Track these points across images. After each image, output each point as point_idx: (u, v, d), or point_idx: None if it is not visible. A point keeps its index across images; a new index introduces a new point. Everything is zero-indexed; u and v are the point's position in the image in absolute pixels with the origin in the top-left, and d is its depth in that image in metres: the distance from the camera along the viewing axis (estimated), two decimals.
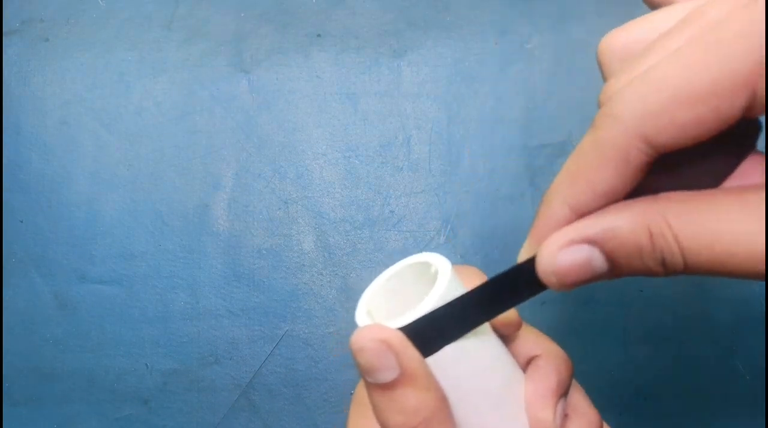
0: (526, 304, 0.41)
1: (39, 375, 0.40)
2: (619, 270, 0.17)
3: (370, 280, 0.39)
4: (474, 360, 0.21)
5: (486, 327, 0.21)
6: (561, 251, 0.17)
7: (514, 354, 0.23)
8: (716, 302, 0.40)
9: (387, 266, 0.42)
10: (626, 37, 0.19)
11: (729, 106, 0.15)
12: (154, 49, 0.43)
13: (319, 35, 0.43)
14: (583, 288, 0.40)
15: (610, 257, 0.17)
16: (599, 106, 0.19)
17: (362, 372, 0.19)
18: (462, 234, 0.41)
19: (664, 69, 0.15)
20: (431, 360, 0.20)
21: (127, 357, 0.40)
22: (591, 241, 0.17)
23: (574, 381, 0.24)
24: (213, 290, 0.40)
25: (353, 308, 0.40)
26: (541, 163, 0.41)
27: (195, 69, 0.43)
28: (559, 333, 0.40)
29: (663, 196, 0.17)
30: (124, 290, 0.41)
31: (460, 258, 0.41)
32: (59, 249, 0.41)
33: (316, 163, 0.42)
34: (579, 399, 0.23)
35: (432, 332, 0.19)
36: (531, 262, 0.19)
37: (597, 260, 0.17)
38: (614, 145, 0.16)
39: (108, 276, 0.41)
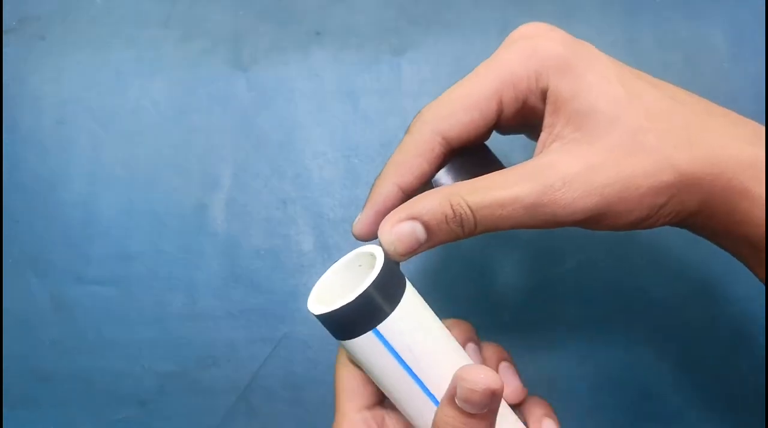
0: (526, 305, 0.40)
1: (36, 377, 0.40)
2: (433, 237, 0.24)
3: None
4: (414, 316, 0.25)
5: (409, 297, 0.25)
6: (394, 226, 0.24)
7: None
8: (718, 302, 0.39)
9: None
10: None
11: (488, 109, 0.25)
12: (151, 48, 0.43)
13: (318, 33, 0.43)
14: (584, 288, 0.40)
15: (427, 227, 0.24)
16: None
17: (460, 400, 0.22)
18: None
19: (451, 92, 0.26)
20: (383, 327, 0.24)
21: (124, 359, 0.40)
22: (413, 217, 0.24)
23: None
24: (211, 291, 0.40)
25: None
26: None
27: (193, 67, 0.43)
28: (560, 334, 0.40)
29: (457, 183, 0.25)
30: (121, 291, 0.40)
31: (460, 258, 0.40)
32: (55, 250, 0.41)
33: (316, 163, 0.42)
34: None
35: (370, 309, 0.24)
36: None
37: (419, 230, 0.24)
38: (424, 141, 0.26)
39: (105, 277, 0.40)
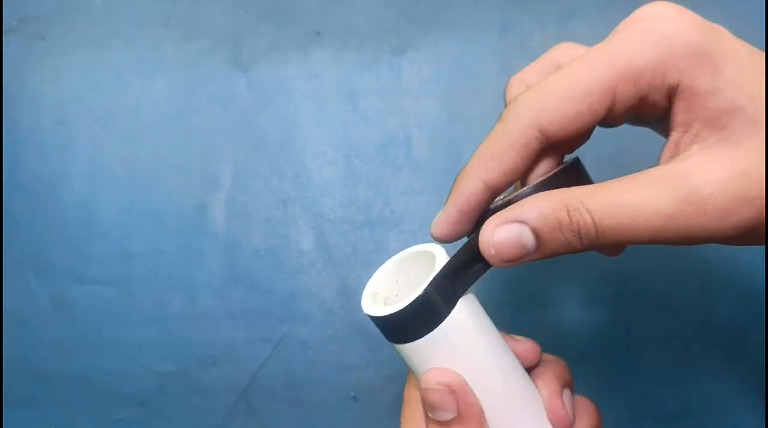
0: (528, 306, 0.40)
1: (36, 377, 0.40)
2: (544, 247, 0.21)
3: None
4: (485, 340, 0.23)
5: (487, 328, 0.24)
6: (497, 228, 0.22)
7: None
8: (720, 302, 0.39)
9: None
10: (526, 75, 0.26)
11: (599, 104, 0.21)
12: (151, 48, 0.43)
13: (318, 33, 0.43)
14: (585, 288, 0.40)
15: (536, 233, 0.21)
16: (505, 94, 0.26)
17: (426, 408, 0.22)
18: None
19: (554, 79, 0.22)
20: (439, 333, 0.22)
21: (124, 358, 0.40)
22: (521, 220, 0.21)
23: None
24: (211, 291, 0.40)
25: (353, 309, 0.40)
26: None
27: (193, 67, 0.42)
28: (561, 334, 0.40)
29: (573, 187, 0.22)
30: (121, 291, 0.40)
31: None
32: (55, 250, 0.41)
33: (316, 163, 0.42)
34: (581, 396, 0.27)
35: (426, 312, 0.22)
36: (476, 243, 0.23)
37: (526, 236, 0.21)
38: (519, 133, 0.22)
39: (105, 277, 0.40)
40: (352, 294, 0.40)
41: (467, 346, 0.23)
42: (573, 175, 0.24)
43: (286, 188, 0.41)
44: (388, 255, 0.40)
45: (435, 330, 0.22)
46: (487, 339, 0.24)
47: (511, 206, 0.22)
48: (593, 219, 0.20)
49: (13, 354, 0.40)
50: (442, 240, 0.25)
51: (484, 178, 0.23)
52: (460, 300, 0.23)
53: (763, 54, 0.22)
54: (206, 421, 0.40)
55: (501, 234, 0.21)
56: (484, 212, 0.24)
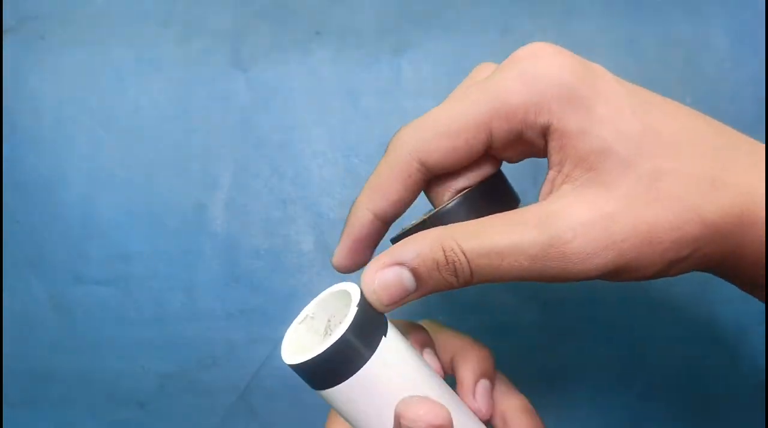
0: (528, 306, 0.40)
1: (35, 378, 0.40)
2: (423, 286, 0.22)
3: None
4: (392, 370, 0.23)
5: (390, 342, 0.23)
6: (377, 273, 0.22)
7: (439, 358, 0.26)
8: (720, 303, 0.39)
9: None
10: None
11: (474, 140, 0.22)
12: (150, 47, 0.43)
13: (318, 32, 0.43)
14: (587, 288, 0.39)
15: (415, 274, 0.21)
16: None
17: None
18: None
19: (435, 113, 0.23)
20: (353, 380, 0.22)
21: (123, 359, 0.40)
22: (400, 263, 0.22)
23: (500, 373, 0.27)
24: (210, 291, 0.40)
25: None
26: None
27: (192, 67, 0.42)
28: (561, 335, 0.40)
29: (451, 225, 0.22)
30: (121, 291, 0.40)
31: None
32: (55, 250, 0.41)
33: (315, 162, 0.41)
34: (505, 385, 0.27)
35: (347, 357, 0.22)
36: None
37: (406, 278, 0.22)
38: (400, 166, 0.23)
39: (104, 277, 0.40)
40: None
41: (396, 383, 0.22)
42: (464, 205, 0.24)
43: (286, 188, 0.41)
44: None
45: (359, 371, 0.22)
46: (415, 371, 0.23)
47: (389, 248, 0.23)
48: (467, 259, 0.21)
49: (13, 354, 0.40)
50: (344, 271, 0.26)
51: (372, 209, 0.24)
52: (382, 338, 0.22)
53: (648, 94, 0.22)
54: (206, 421, 0.39)
55: (381, 279, 0.22)
56: (378, 240, 0.25)
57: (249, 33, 0.43)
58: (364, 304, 0.22)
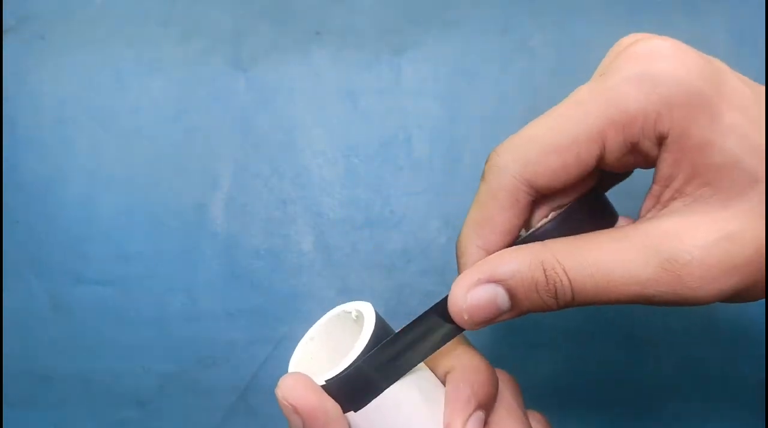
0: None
1: (35, 378, 0.40)
2: (519, 306, 0.20)
3: (371, 282, 0.39)
4: (402, 406, 0.21)
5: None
6: (470, 291, 0.20)
7: (432, 368, 0.23)
8: (720, 303, 0.39)
9: (387, 267, 0.41)
10: None
11: (586, 154, 0.19)
12: (150, 47, 0.43)
13: (318, 32, 0.43)
14: None
15: (511, 293, 0.20)
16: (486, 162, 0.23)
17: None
18: None
19: (536, 125, 0.20)
20: (364, 411, 0.20)
21: (123, 359, 0.40)
22: (496, 280, 0.20)
23: (507, 395, 0.23)
24: (210, 291, 0.40)
25: None
26: None
27: (192, 67, 0.42)
28: (561, 336, 0.40)
29: (550, 241, 0.20)
30: (120, 291, 0.40)
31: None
32: (54, 250, 0.41)
33: (315, 162, 0.41)
34: (504, 415, 0.23)
35: (357, 386, 0.20)
36: (443, 305, 0.21)
37: (501, 297, 0.20)
38: (505, 192, 0.20)
39: (104, 277, 0.40)
40: (352, 294, 0.40)
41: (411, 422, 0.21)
42: (566, 222, 0.22)
43: (286, 188, 0.41)
44: (388, 255, 0.40)
45: (374, 401, 0.20)
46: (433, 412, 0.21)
47: (480, 261, 0.20)
48: (569, 280, 0.19)
49: (12, 354, 0.40)
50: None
51: (482, 246, 0.21)
52: (408, 372, 0.21)
53: (758, 86, 0.20)
54: (206, 421, 0.39)
55: (474, 297, 0.20)
56: None
57: (249, 33, 0.43)
58: (378, 326, 0.21)
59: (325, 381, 0.20)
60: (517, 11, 0.42)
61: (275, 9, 0.43)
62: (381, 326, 0.21)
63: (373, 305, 0.22)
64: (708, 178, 0.18)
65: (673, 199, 0.19)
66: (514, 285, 0.19)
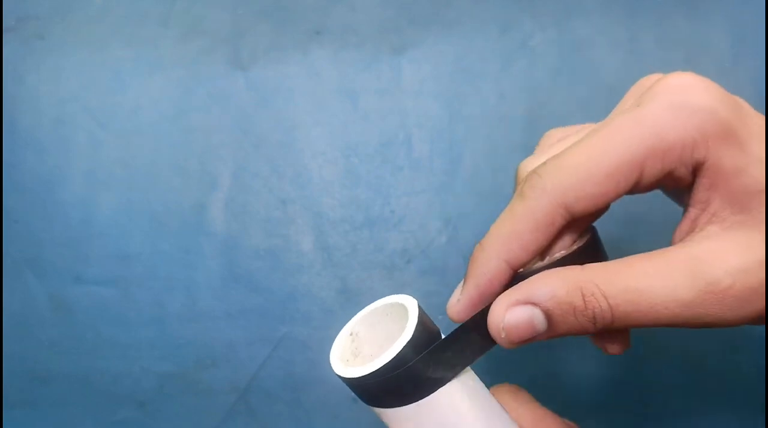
0: None
1: (34, 378, 0.40)
2: (555, 329, 0.21)
3: (371, 282, 0.39)
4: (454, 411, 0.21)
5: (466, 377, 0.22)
6: (508, 310, 0.20)
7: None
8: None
9: (387, 267, 0.41)
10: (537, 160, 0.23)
11: (626, 182, 0.20)
12: (150, 47, 0.43)
13: (318, 32, 0.43)
14: None
15: (548, 315, 0.20)
16: (517, 180, 0.24)
17: None
18: (464, 234, 0.40)
19: (578, 152, 0.21)
20: (409, 408, 0.21)
21: (122, 359, 0.40)
22: (533, 302, 0.20)
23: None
24: (210, 291, 0.40)
25: (353, 310, 0.40)
26: None
27: (192, 66, 0.42)
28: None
29: (588, 265, 0.21)
30: (120, 291, 0.40)
31: (462, 259, 0.40)
32: (54, 250, 0.41)
33: (315, 162, 0.41)
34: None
35: (404, 380, 0.20)
36: (483, 321, 0.21)
37: (538, 319, 0.20)
38: (544, 212, 0.21)
39: (103, 277, 0.40)
40: (352, 294, 0.40)
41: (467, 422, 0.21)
42: (592, 248, 0.23)
43: (286, 188, 0.41)
44: (388, 255, 0.40)
45: (421, 401, 0.20)
46: (483, 420, 0.22)
47: (521, 283, 0.21)
48: (609, 305, 0.20)
49: (12, 354, 0.40)
50: (459, 321, 0.23)
51: (506, 258, 0.22)
52: (455, 376, 0.21)
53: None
54: (205, 422, 0.39)
55: (512, 317, 0.21)
56: (503, 291, 0.22)
57: (249, 32, 0.43)
58: (421, 319, 0.21)
59: (371, 371, 0.20)
60: (517, 11, 0.42)
61: (275, 8, 0.43)
62: (423, 320, 0.21)
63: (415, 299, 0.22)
64: (742, 204, 0.20)
65: (710, 222, 0.20)
66: (551, 308, 0.20)
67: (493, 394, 0.24)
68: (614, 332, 0.23)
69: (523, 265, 0.22)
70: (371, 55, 0.42)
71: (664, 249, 0.21)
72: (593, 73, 0.41)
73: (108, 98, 0.42)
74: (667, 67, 0.41)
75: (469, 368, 0.22)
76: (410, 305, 0.21)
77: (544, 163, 0.21)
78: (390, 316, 0.23)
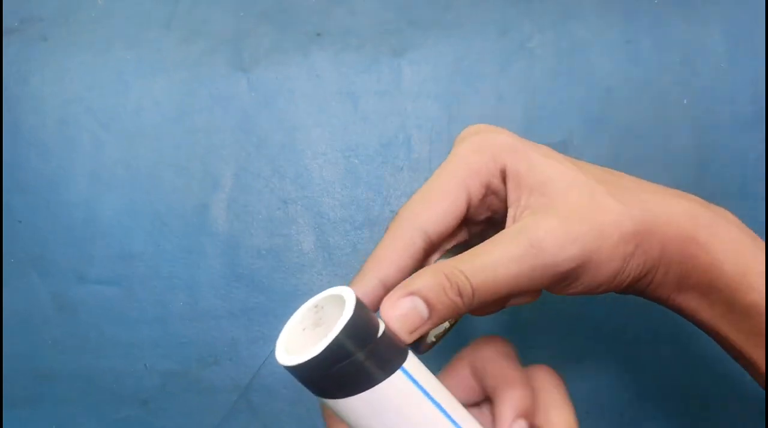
0: (529, 305, 0.41)
1: (38, 376, 0.40)
2: (435, 311, 0.24)
3: None
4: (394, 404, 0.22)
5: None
6: (395, 303, 0.24)
7: (484, 386, 0.27)
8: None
9: None
10: None
11: (459, 200, 0.27)
12: (152, 49, 0.43)
13: (318, 34, 0.43)
14: None
15: (427, 301, 0.24)
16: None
17: None
18: None
19: (423, 189, 0.28)
20: (350, 400, 0.22)
21: (125, 358, 0.40)
22: (412, 293, 0.24)
23: (553, 396, 0.28)
24: (212, 291, 0.40)
25: None
26: None
27: (194, 68, 0.43)
28: (560, 333, 0.40)
29: (453, 257, 0.25)
30: (123, 291, 0.40)
31: None
32: (58, 250, 0.41)
33: (316, 163, 0.42)
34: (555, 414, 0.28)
35: (344, 372, 0.21)
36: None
37: (420, 306, 0.24)
38: (403, 235, 0.27)
39: (107, 276, 0.41)
40: None
41: (407, 414, 0.22)
42: (463, 246, 0.27)
43: (287, 188, 0.42)
44: None
45: (368, 391, 0.21)
46: (430, 407, 0.23)
47: (402, 282, 0.25)
48: (467, 278, 0.24)
49: (15, 353, 0.41)
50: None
51: (380, 276, 0.26)
52: (394, 371, 0.22)
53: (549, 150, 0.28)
54: (207, 420, 0.40)
55: (401, 308, 0.24)
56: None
57: (250, 34, 0.43)
58: (359, 306, 0.22)
59: (308, 359, 0.21)
60: (516, 13, 0.43)
61: (276, 11, 0.44)
62: (361, 310, 0.22)
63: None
64: (541, 191, 0.26)
65: (525, 210, 0.27)
66: (427, 293, 0.24)
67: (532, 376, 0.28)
68: (488, 305, 0.26)
69: (395, 282, 0.26)
70: (371, 57, 0.43)
71: (501, 231, 0.26)
72: (591, 74, 0.41)
73: (111, 99, 0.43)
74: (665, 69, 0.42)
75: (415, 358, 0.24)
76: (348, 296, 0.23)
77: (404, 205, 0.28)
78: (329, 308, 0.25)
